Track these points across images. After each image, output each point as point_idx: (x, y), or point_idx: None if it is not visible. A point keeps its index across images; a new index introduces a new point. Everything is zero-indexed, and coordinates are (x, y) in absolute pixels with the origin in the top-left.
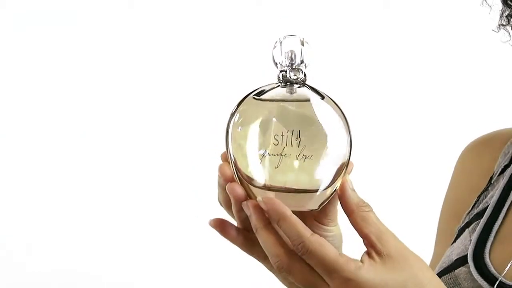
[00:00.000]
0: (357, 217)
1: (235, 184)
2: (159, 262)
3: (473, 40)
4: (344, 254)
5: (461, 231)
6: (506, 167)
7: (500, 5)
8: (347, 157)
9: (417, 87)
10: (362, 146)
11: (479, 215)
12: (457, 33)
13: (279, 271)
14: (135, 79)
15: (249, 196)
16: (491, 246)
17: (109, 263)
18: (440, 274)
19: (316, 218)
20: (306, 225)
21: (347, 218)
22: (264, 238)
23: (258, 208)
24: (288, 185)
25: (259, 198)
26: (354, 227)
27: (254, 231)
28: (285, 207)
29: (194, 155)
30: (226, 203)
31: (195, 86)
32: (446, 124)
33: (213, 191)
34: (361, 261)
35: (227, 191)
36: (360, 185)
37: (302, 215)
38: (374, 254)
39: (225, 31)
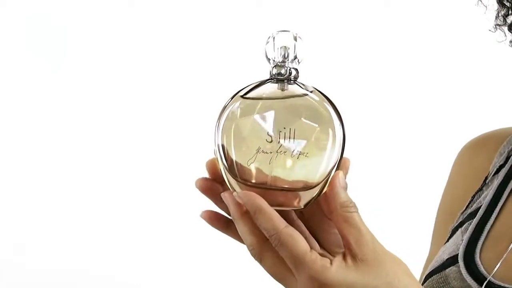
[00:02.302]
0: (339, 216)
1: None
2: (160, 262)
3: (473, 39)
4: (315, 251)
5: (454, 231)
6: (501, 167)
7: (495, 5)
8: (339, 155)
9: (416, 86)
10: (362, 145)
11: (472, 215)
12: (457, 32)
13: (254, 258)
14: (135, 78)
15: (234, 190)
16: (482, 246)
17: (110, 263)
18: (431, 274)
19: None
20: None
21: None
22: (240, 227)
23: (236, 199)
24: (277, 183)
25: (235, 193)
26: (335, 226)
27: (233, 220)
28: (261, 199)
29: (195, 154)
30: (204, 189)
31: (195, 85)
32: (444, 124)
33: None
34: (333, 261)
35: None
36: (358, 184)
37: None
38: (348, 256)
39: (224, 31)
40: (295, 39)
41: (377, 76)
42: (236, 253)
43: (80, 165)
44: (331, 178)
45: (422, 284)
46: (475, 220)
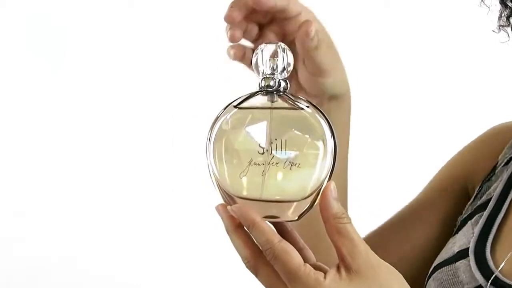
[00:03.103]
0: (332, 227)
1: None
2: (160, 262)
3: (474, 39)
4: (309, 265)
5: (463, 223)
6: (511, 159)
7: (498, 6)
8: (331, 166)
9: (417, 86)
10: (361, 147)
11: (482, 207)
12: (457, 32)
13: (250, 271)
14: (135, 78)
15: (227, 201)
16: (493, 240)
17: (110, 263)
18: (441, 265)
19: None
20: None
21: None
22: (234, 241)
23: (229, 212)
24: (269, 196)
25: (228, 207)
26: (329, 237)
27: (227, 233)
28: (255, 213)
29: (194, 155)
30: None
31: (195, 86)
32: (445, 125)
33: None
34: (327, 274)
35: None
36: (358, 186)
37: None
38: (342, 268)
39: (224, 32)
40: (284, 50)
41: (377, 76)
42: (236, 253)
43: (80, 165)
44: (323, 189)
45: (430, 275)
46: (485, 213)
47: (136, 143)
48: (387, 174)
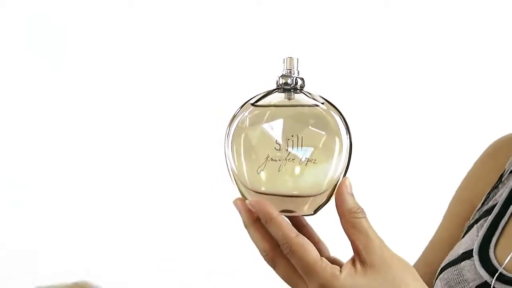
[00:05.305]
0: (347, 222)
1: None
2: (160, 264)
3: (475, 39)
4: (325, 259)
5: (470, 227)
6: None
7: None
8: (346, 162)
9: (417, 86)
10: (363, 146)
11: (488, 212)
12: (458, 32)
13: (268, 264)
14: (135, 78)
15: (244, 196)
16: (496, 241)
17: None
18: (447, 266)
19: None
20: None
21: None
22: (252, 234)
23: (247, 206)
24: (286, 191)
25: (247, 201)
26: (344, 231)
27: (245, 227)
28: (272, 207)
29: (194, 155)
30: None
31: (194, 85)
32: (445, 124)
33: (214, 191)
34: (342, 268)
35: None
36: (361, 187)
37: None
38: (357, 262)
39: (225, 31)
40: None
41: (377, 76)
42: (236, 254)
43: (80, 165)
44: (339, 185)
45: (437, 276)
46: (490, 217)
47: (135, 143)
48: (388, 173)
